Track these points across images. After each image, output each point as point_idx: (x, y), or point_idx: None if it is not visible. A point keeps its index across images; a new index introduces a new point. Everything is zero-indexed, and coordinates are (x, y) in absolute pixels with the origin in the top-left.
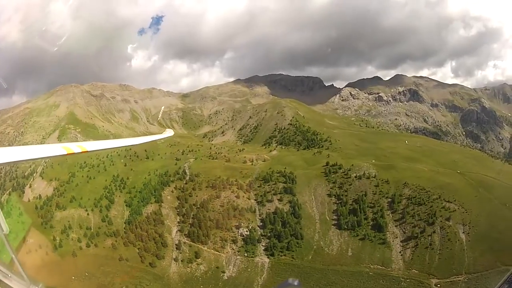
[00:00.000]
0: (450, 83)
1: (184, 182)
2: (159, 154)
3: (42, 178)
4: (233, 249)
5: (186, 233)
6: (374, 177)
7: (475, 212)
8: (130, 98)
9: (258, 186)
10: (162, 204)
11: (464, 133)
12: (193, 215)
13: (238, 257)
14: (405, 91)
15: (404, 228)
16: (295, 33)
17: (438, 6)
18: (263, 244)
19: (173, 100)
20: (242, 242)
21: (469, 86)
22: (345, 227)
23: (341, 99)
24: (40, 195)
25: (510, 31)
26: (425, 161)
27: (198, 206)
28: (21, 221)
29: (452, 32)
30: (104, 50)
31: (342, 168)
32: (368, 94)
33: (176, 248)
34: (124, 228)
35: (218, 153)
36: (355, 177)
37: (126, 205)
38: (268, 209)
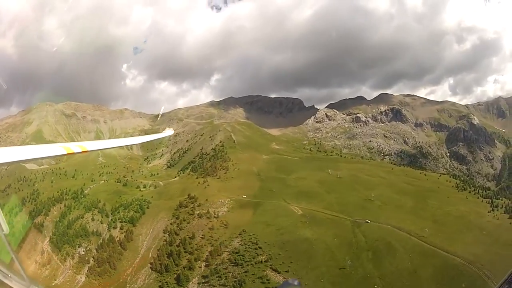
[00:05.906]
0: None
1: (74, 201)
2: (81, 174)
3: None
4: (70, 264)
5: (51, 243)
6: (216, 217)
7: None
8: (101, 119)
9: (117, 212)
10: (47, 217)
11: (448, 154)
12: (62, 229)
13: (69, 271)
14: (387, 111)
15: None
16: (286, 54)
17: (431, 21)
18: (89, 266)
19: (142, 121)
20: (78, 260)
21: (467, 104)
22: (156, 268)
23: (316, 120)
24: None
25: (509, 42)
26: (322, 198)
27: (68, 222)
28: (21, 221)
29: (446, 47)
30: (96, 68)
31: (196, 202)
32: (346, 115)
33: (41, 253)
34: (18, 232)
35: (124, 177)
36: (197, 214)
37: (28, 215)
38: (111, 235)
